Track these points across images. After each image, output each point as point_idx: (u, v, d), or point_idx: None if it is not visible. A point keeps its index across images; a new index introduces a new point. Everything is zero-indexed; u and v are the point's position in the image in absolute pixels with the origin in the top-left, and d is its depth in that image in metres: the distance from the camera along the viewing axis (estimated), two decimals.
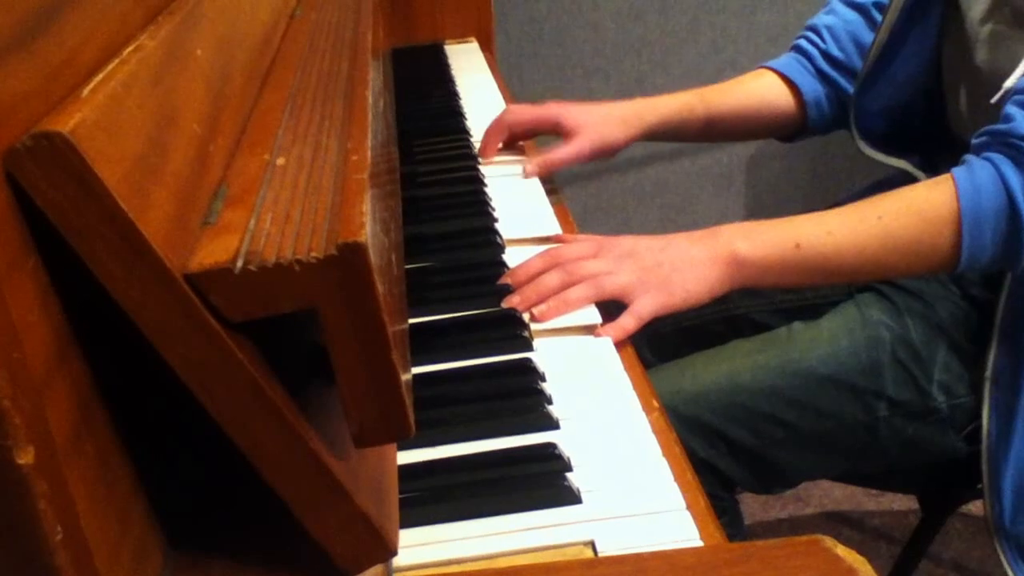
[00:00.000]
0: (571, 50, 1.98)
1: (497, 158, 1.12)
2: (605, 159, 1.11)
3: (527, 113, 1.11)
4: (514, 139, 1.14)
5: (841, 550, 0.42)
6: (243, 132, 0.49)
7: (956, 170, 0.82)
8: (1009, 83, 0.85)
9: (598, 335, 0.78)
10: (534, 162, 1.07)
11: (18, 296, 0.33)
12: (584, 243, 0.85)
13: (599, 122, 1.08)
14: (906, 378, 0.94)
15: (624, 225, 2.14)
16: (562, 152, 1.07)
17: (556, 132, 1.10)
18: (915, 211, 0.82)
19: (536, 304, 0.80)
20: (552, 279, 0.81)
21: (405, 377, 0.44)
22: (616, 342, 0.77)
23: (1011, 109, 0.82)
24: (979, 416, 0.92)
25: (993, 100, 0.87)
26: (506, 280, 0.83)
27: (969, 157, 0.83)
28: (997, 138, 0.82)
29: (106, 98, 0.36)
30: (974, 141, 0.85)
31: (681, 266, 0.81)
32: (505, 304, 0.80)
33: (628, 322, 0.79)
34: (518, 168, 1.09)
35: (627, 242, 0.84)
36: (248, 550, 0.45)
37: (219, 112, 0.47)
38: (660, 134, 1.12)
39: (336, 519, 0.43)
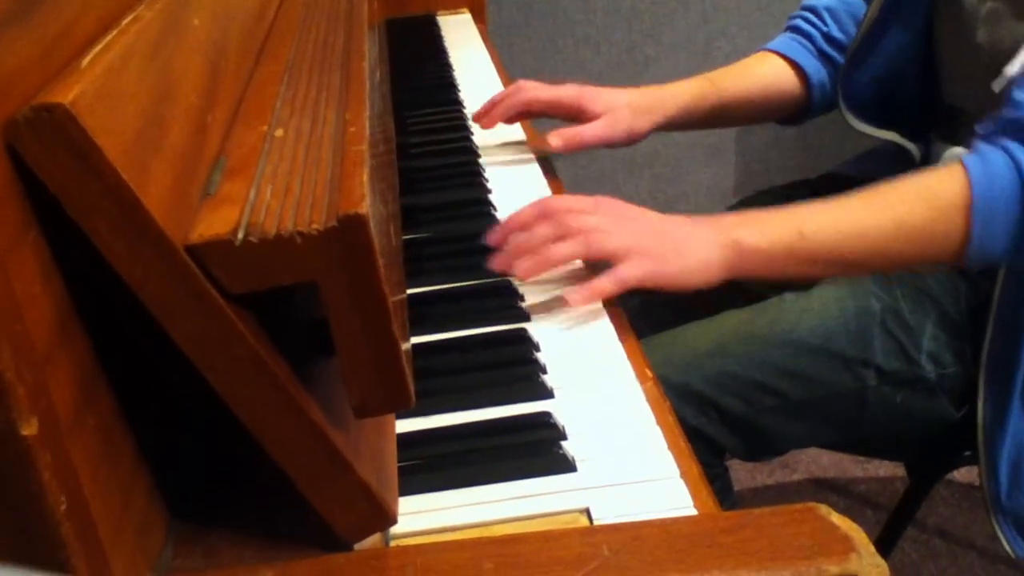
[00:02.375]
0: (561, 20, 1.97)
1: (492, 128, 1.11)
2: (626, 145, 1.05)
3: (546, 91, 1.04)
4: (524, 117, 1.08)
5: (836, 518, 0.43)
6: (241, 103, 0.49)
7: (966, 157, 0.80)
8: (1012, 70, 0.84)
9: (566, 303, 0.74)
10: (560, 134, 1.01)
11: (20, 269, 0.33)
12: (581, 197, 0.81)
13: (624, 107, 1.03)
14: (895, 348, 0.94)
15: (614, 195, 2.14)
16: (594, 130, 1.01)
17: (574, 116, 1.03)
18: (924, 198, 0.79)
19: (523, 255, 0.76)
20: (543, 230, 0.76)
21: (404, 348, 0.44)
22: (586, 303, 0.75)
23: (1020, 95, 0.80)
24: (967, 386, 0.93)
25: (997, 89, 0.86)
26: (497, 233, 0.79)
27: (978, 144, 0.81)
28: (1007, 126, 0.80)
29: (105, 69, 0.36)
30: (980, 129, 0.83)
31: (681, 240, 0.78)
32: (494, 263, 0.76)
33: (604, 284, 0.75)
34: (511, 136, 1.09)
35: (625, 206, 0.81)
36: (251, 521, 0.46)
37: (217, 83, 0.46)
38: (678, 122, 1.08)
39: (337, 489, 0.43)
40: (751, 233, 0.79)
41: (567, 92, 1.03)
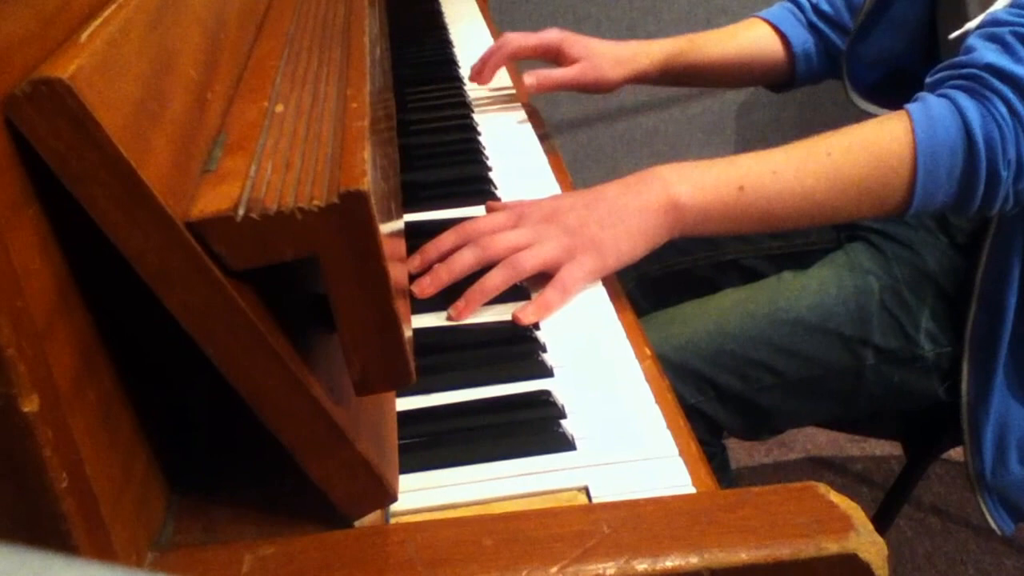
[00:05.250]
0: None
1: (492, 106, 1.12)
2: (597, 92, 1.12)
3: (530, 39, 1.11)
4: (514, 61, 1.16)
5: (834, 496, 0.43)
6: (240, 78, 0.48)
7: (910, 105, 0.79)
8: (971, 25, 0.83)
9: (518, 321, 0.71)
10: (534, 75, 1.07)
11: (19, 243, 0.33)
12: (501, 214, 0.78)
13: (599, 56, 1.09)
14: (893, 326, 0.95)
15: (614, 173, 2.13)
16: (563, 73, 1.08)
17: (556, 59, 1.11)
18: (867, 146, 0.77)
19: (447, 284, 0.73)
20: (466, 257, 0.73)
21: (406, 325, 0.44)
22: (537, 319, 0.72)
23: (973, 41, 0.79)
24: (962, 368, 0.94)
25: (951, 36, 0.84)
26: (415, 259, 0.76)
27: (923, 93, 0.80)
28: (955, 69, 0.78)
29: (104, 43, 0.36)
30: (928, 79, 0.81)
31: (612, 222, 0.75)
32: (415, 288, 0.73)
33: (553, 297, 0.73)
34: (512, 116, 1.09)
35: (549, 204, 0.78)
36: (251, 496, 0.46)
37: (216, 58, 0.46)
38: (652, 77, 1.13)
39: (337, 465, 0.43)
40: (687, 189, 0.76)
41: (550, 36, 1.11)
